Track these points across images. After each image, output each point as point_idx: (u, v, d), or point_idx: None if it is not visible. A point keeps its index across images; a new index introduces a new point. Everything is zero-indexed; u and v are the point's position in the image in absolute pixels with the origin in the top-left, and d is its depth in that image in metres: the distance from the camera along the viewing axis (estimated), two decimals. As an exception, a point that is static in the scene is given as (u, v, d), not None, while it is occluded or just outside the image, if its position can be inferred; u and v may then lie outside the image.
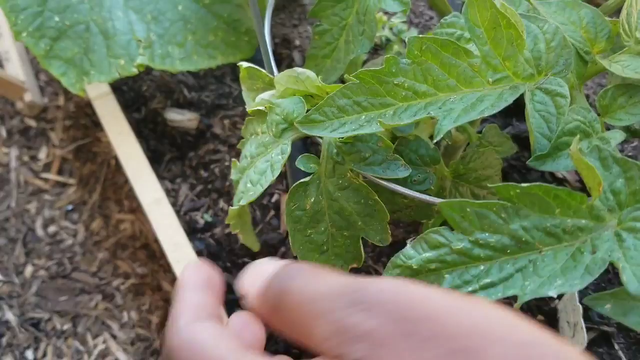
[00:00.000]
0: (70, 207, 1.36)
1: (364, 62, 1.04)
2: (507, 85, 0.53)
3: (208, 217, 1.04)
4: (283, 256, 0.96)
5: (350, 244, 0.64)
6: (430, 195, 0.69)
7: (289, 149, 0.60)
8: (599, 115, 0.56)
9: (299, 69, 0.61)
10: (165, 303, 1.19)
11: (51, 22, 0.92)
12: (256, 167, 0.61)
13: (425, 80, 0.54)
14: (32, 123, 1.50)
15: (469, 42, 0.62)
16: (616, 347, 0.88)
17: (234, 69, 1.21)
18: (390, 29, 0.99)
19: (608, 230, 0.46)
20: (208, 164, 1.10)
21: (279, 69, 1.16)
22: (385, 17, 1.05)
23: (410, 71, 0.54)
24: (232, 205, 0.64)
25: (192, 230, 1.02)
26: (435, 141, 0.51)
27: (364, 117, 0.56)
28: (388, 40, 1.02)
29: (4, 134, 1.49)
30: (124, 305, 1.23)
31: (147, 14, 0.95)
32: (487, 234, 0.47)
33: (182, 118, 1.11)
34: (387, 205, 0.70)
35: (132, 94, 1.19)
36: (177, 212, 1.04)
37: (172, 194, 1.08)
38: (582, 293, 0.91)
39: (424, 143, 0.68)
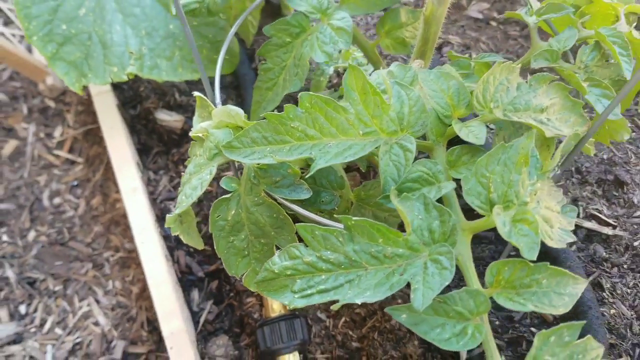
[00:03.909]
0: (75, 182, 1.51)
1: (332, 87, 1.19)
2: (375, 138, 0.68)
3: (179, 207, 1.20)
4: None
5: (267, 250, 0.79)
6: (337, 214, 0.85)
7: (214, 171, 0.75)
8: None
9: (231, 107, 0.77)
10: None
11: (59, 29, 1.09)
12: (191, 183, 0.77)
13: (314, 126, 0.69)
14: (51, 104, 1.67)
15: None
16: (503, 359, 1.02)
17: (223, 78, 1.37)
18: (353, 60, 1.14)
19: (421, 259, 0.61)
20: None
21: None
22: (352, 49, 1.19)
23: (303, 118, 0.69)
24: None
25: (164, 217, 1.19)
26: (308, 173, 0.67)
27: (268, 149, 0.71)
28: (349, 70, 1.16)
29: (26, 111, 1.65)
30: (111, 275, 1.38)
31: (142, 30, 1.12)
32: (329, 252, 0.62)
33: (169, 118, 1.27)
34: (306, 219, 0.85)
35: (130, 92, 1.35)
36: (155, 200, 1.21)
37: (153, 184, 1.25)
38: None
39: (333, 170, 0.83)
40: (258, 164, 0.76)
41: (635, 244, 1.13)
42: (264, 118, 0.71)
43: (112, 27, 1.11)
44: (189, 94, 1.36)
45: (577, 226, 1.16)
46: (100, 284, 1.37)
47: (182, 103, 1.34)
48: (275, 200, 0.76)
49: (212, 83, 1.40)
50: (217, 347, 1.06)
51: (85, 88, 1.14)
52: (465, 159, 0.70)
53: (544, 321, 1.06)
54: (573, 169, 1.24)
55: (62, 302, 1.32)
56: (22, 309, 1.30)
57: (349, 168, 0.95)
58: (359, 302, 0.58)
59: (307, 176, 0.69)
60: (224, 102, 1.36)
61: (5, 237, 1.43)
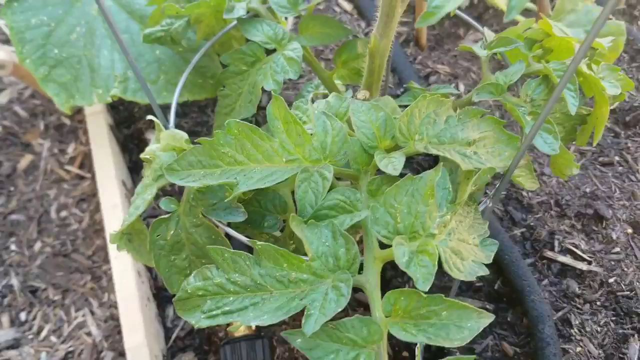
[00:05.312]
0: (82, 197, 1.58)
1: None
2: (298, 165, 0.70)
3: (161, 225, 1.24)
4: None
5: (208, 269, 0.82)
6: (282, 237, 0.87)
7: (155, 191, 0.79)
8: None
9: (176, 130, 0.81)
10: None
11: (51, 53, 1.15)
12: (135, 203, 0.81)
13: (242, 152, 0.72)
14: (66, 121, 1.75)
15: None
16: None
17: (215, 101, 1.41)
18: (332, 87, 1.17)
19: (324, 285, 0.63)
20: (173, 180, 1.31)
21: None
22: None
23: (233, 144, 0.72)
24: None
25: (145, 234, 1.23)
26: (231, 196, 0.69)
27: (202, 172, 0.74)
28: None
29: (42, 127, 1.73)
30: (107, 288, 1.43)
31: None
32: (237, 275, 0.64)
33: (159, 139, 1.32)
34: (260, 238, 0.87)
35: (125, 113, 1.41)
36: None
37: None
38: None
39: (278, 195, 0.85)
40: (198, 187, 0.78)
41: (611, 280, 1.11)
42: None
43: (100, 52, 1.17)
44: (181, 116, 1.41)
45: (551, 260, 1.15)
46: (96, 295, 1.41)
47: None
48: (213, 222, 0.79)
49: (206, 106, 1.45)
50: (182, 363, 1.09)
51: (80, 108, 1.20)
52: (384, 188, 0.71)
53: (505, 355, 1.05)
54: (552, 201, 1.23)
55: (59, 312, 1.37)
56: (23, 316, 1.35)
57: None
58: (253, 324, 0.60)
59: (227, 199, 0.72)
60: (212, 125, 1.40)
61: (13, 247, 1.49)
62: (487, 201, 0.77)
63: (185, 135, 0.81)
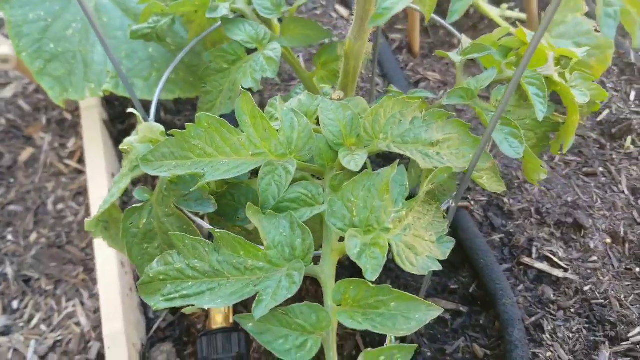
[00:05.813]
0: (79, 191, 1.61)
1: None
2: (264, 159, 0.73)
3: (148, 218, 1.27)
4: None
5: (179, 259, 0.84)
6: (253, 229, 0.89)
7: (128, 181, 0.82)
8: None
9: (153, 123, 0.84)
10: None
11: (47, 47, 1.19)
12: (111, 191, 0.84)
13: (212, 145, 0.74)
14: (68, 116, 1.79)
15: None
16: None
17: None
18: (321, 88, 1.19)
19: (280, 274, 0.65)
20: (163, 175, 1.34)
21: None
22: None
23: (203, 137, 0.75)
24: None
25: (132, 226, 1.26)
26: (196, 186, 0.72)
27: (174, 163, 0.77)
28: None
29: (44, 121, 1.77)
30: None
31: (122, 51, 1.21)
32: (196, 261, 0.67)
33: (151, 135, 1.35)
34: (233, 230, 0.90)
35: (120, 108, 1.45)
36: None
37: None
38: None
39: (252, 190, 0.88)
40: (170, 177, 0.81)
41: (586, 288, 1.12)
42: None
43: (94, 48, 1.21)
44: (175, 113, 1.44)
45: (528, 266, 1.16)
46: (87, 287, 1.44)
47: (167, 121, 1.42)
48: (184, 212, 0.82)
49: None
50: (160, 353, 1.11)
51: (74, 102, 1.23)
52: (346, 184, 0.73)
53: (475, 356, 1.06)
54: (533, 209, 1.24)
55: (50, 301, 1.40)
56: (15, 304, 1.39)
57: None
58: (205, 307, 0.63)
59: (193, 189, 0.74)
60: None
61: (10, 237, 1.52)
62: (450, 201, 0.78)
63: (161, 128, 0.84)
